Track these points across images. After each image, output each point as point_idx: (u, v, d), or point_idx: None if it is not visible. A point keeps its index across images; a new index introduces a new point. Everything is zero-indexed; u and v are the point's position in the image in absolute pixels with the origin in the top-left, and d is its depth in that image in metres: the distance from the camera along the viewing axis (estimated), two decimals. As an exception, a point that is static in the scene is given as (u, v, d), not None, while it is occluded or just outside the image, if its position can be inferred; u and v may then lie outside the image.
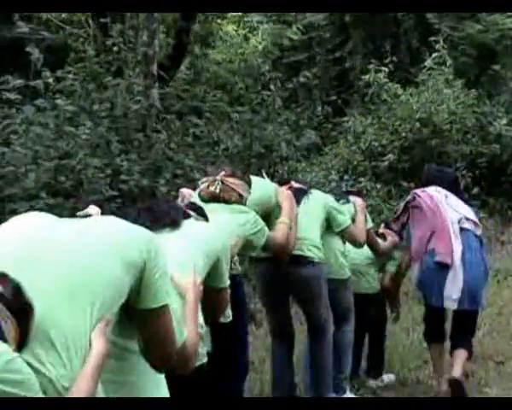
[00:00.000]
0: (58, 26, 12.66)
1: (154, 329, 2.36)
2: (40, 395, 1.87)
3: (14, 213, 6.40)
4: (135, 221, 3.02)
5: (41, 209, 6.41)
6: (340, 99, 15.53)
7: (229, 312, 3.93)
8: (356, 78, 14.93)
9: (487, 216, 11.99)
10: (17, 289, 1.96)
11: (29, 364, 1.90)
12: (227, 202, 4.30)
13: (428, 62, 13.74)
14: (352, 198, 6.02)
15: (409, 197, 5.96)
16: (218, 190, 4.29)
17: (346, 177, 11.90)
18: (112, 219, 2.41)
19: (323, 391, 5.40)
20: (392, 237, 6.27)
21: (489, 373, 6.22)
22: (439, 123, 12.73)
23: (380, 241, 6.22)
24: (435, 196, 5.76)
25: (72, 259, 2.15)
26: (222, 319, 3.79)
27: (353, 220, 5.76)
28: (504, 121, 13.32)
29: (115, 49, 9.84)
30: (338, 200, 5.80)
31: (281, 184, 5.62)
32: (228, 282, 3.41)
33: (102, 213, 3.09)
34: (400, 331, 7.18)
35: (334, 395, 5.53)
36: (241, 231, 4.25)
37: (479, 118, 13.31)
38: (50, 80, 7.81)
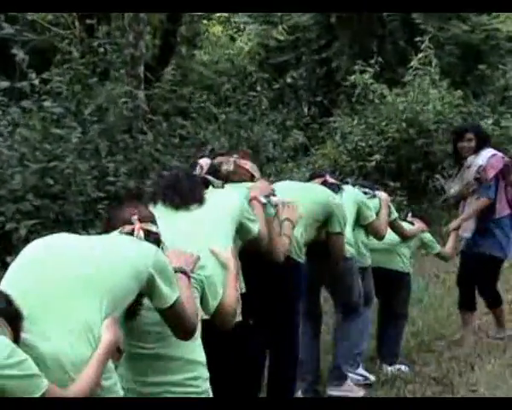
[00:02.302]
0: (44, 27, 12.60)
1: (172, 317, 2.94)
2: (37, 371, 2.29)
3: (1, 214, 6.39)
4: (163, 201, 3.67)
5: (28, 212, 6.39)
6: (327, 100, 15.55)
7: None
8: (342, 78, 14.94)
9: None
10: (8, 300, 2.40)
11: (33, 342, 2.41)
12: (236, 182, 4.38)
13: (414, 63, 13.76)
14: (377, 193, 6.31)
15: (501, 165, 7.11)
16: (231, 168, 4.43)
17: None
18: (125, 237, 2.94)
19: (340, 363, 5.71)
20: (418, 224, 6.74)
21: (475, 372, 6.23)
22: (425, 123, 12.75)
23: (407, 226, 6.59)
24: None
25: (90, 261, 2.67)
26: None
27: (377, 214, 6.06)
28: (490, 121, 13.35)
29: (101, 50, 9.81)
30: (365, 193, 6.11)
31: (315, 177, 5.85)
32: (257, 229, 3.96)
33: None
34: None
35: (348, 368, 5.80)
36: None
37: (465, 118, 13.32)
38: (36, 82, 7.75)
